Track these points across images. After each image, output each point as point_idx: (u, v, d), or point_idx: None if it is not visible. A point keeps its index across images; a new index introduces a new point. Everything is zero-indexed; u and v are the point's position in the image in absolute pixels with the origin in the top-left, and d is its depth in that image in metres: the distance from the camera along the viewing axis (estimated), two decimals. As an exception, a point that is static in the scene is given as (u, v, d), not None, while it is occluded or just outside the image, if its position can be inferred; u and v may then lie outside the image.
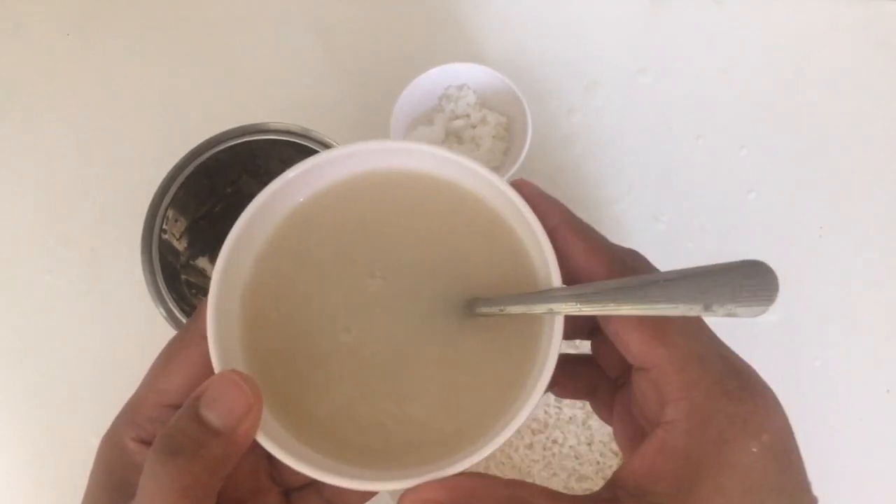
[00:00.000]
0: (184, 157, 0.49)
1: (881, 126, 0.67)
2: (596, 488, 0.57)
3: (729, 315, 0.19)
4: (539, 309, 0.21)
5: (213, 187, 0.52)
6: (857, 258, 0.64)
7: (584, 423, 0.57)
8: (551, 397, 0.57)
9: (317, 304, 0.23)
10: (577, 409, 0.57)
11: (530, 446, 0.57)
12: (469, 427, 0.21)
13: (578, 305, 0.20)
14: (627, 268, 0.22)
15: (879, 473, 0.60)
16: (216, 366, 0.22)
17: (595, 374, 0.25)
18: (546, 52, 0.70)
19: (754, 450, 0.20)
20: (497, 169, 0.64)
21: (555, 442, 0.57)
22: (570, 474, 0.57)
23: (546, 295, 0.21)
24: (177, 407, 0.23)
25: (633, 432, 0.24)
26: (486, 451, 0.20)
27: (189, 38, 0.74)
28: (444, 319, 0.23)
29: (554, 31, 0.71)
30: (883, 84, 0.68)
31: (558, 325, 0.21)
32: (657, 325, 0.21)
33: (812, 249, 0.64)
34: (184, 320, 0.46)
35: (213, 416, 0.21)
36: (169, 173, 0.49)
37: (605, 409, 0.25)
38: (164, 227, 0.48)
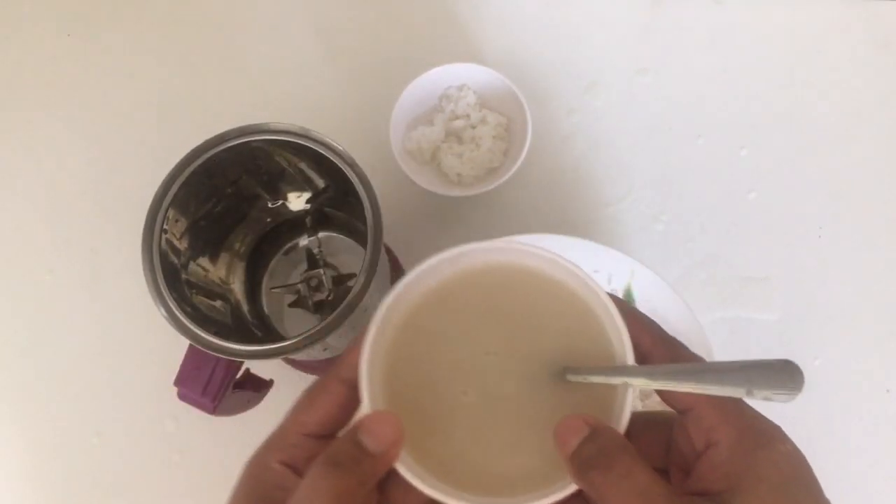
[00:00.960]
0: (184, 157, 0.49)
1: (881, 126, 0.67)
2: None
3: (765, 399, 0.26)
4: (616, 380, 0.28)
5: (214, 187, 0.52)
6: (857, 258, 0.64)
7: (583, 423, 0.57)
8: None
9: (443, 369, 0.31)
10: (577, 409, 0.57)
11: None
12: (558, 470, 0.27)
13: (647, 381, 0.28)
14: (681, 357, 0.30)
15: (879, 473, 0.60)
16: (365, 405, 0.28)
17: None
18: (546, 53, 0.70)
19: (783, 449, 0.27)
20: (496, 169, 0.64)
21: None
22: (570, 474, 0.57)
23: (622, 370, 0.28)
24: (316, 437, 0.29)
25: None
26: (571, 489, 0.27)
27: (189, 39, 0.74)
28: (541, 386, 0.30)
29: (554, 32, 0.71)
30: (883, 84, 0.68)
31: (630, 394, 0.28)
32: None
33: (812, 249, 0.64)
34: (184, 320, 0.46)
35: (368, 441, 0.27)
36: (169, 173, 0.49)
37: None
38: (164, 226, 0.48)
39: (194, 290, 0.52)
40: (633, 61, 0.69)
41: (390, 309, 0.31)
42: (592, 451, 0.26)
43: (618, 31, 0.70)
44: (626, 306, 0.29)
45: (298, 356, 0.57)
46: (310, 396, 0.30)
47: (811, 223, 0.64)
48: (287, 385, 0.62)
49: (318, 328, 0.46)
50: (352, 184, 0.48)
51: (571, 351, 0.30)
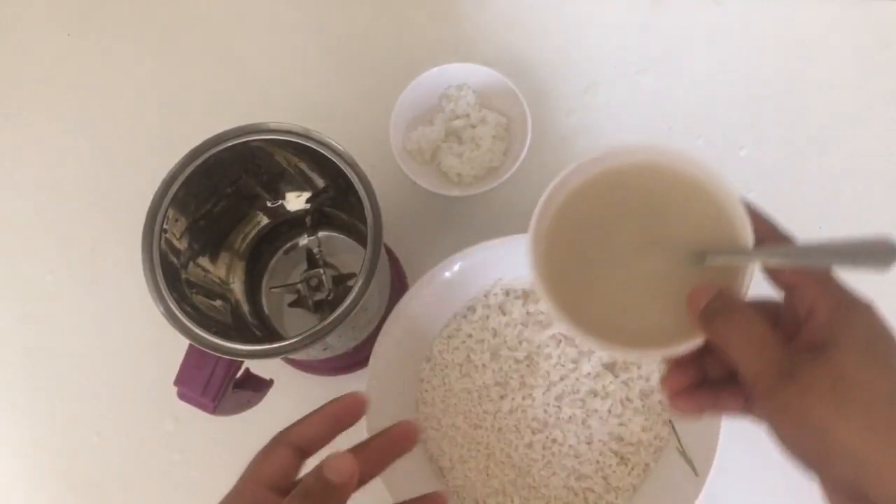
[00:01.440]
0: (184, 157, 0.49)
1: (881, 126, 0.67)
2: (596, 487, 0.57)
3: (865, 270, 0.32)
4: (739, 260, 0.34)
5: (214, 187, 0.52)
6: (856, 258, 0.64)
7: (583, 423, 0.57)
8: (552, 396, 0.57)
9: (592, 250, 0.37)
10: (577, 409, 0.57)
11: (530, 445, 0.57)
12: (686, 328, 0.34)
13: (766, 259, 0.34)
14: (786, 239, 0.35)
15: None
16: (533, 275, 0.36)
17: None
18: (546, 53, 0.70)
19: (874, 314, 0.32)
20: (496, 169, 0.64)
21: (554, 441, 0.57)
22: (570, 473, 0.57)
23: (745, 252, 0.34)
24: (270, 488, 0.34)
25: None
26: (699, 340, 0.34)
27: (189, 39, 0.74)
28: (673, 265, 0.36)
29: (554, 32, 0.71)
30: (883, 84, 0.68)
31: (751, 273, 0.34)
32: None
33: (812, 249, 0.64)
34: (184, 320, 0.46)
35: (332, 474, 0.32)
36: (169, 173, 0.49)
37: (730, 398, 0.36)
38: (164, 226, 0.48)
39: (194, 290, 0.52)
40: (633, 61, 0.69)
41: (547, 203, 0.37)
42: (718, 305, 0.33)
43: (618, 31, 0.70)
44: (748, 201, 0.35)
45: (298, 356, 0.57)
46: (263, 454, 0.36)
47: (811, 223, 0.64)
48: (287, 385, 0.62)
49: (318, 328, 0.46)
50: (352, 184, 0.48)
51: (700, 237, 0.36)
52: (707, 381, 0.37)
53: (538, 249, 0.37)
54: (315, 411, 0.37)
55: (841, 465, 0.30)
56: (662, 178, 0.37)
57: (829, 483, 0.31)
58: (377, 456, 0.36)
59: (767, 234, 0.35)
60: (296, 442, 0.36)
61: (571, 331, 0.35)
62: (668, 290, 0.36)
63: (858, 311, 0.32)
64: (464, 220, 0.67)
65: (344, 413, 0.37)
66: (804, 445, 0.31)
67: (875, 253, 0.33)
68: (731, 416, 0.37)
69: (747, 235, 0.34)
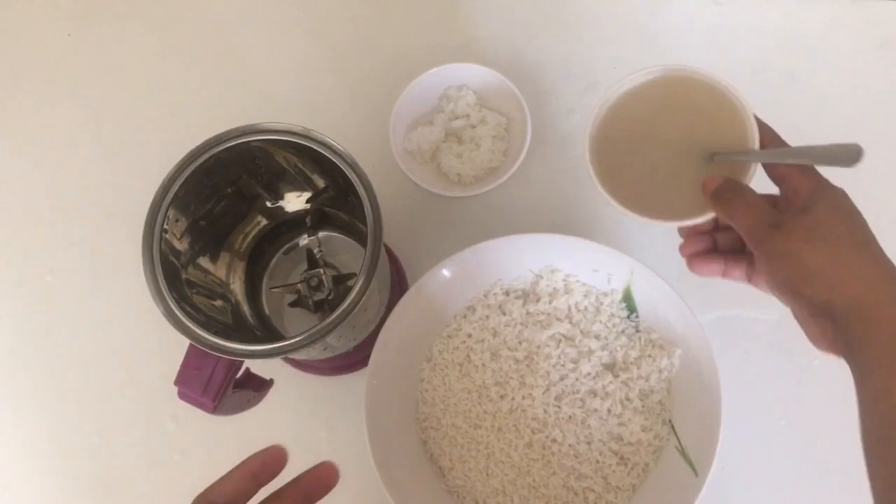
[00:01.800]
0: (184, 157, 0.49)
1: (881, 125, 0.67)
2: (596, 487, 0.57)
3: (836, 166, 0.43)
4: (745, 158, 0.45)
5: (214, 187, 0.53)
6: (856, 258, 0.64)
7: (583, 422, 0.57)
8: (552, 396, 0.57)
9: (634, 145, 0.48)
10: (577, 409, 0.57)
11: (529, 445, 0.57)
12: (701, 207, 0.45)
13: (766, 158, 0.45)
14: (783, 144, 0.46)
15: (879, 473, 0.60)
16: (587, 160, 0.48)
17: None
18: (546, 53, 0.70)
19: (843, 193, 0.43)
20: (496, 169, 0.64)
21: (554, 441, 0.57)
22: (570, 473, 0.57)
23: (750, 153, 0.45)
24: None
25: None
26: (710, 215, 0.45)
27: (189, 39, 0.74)
28: (696, 160, 0.47)
29: (554, 32, 0.71)
30: (883, 84, 0.68)
31: (754, 169, 0.45)
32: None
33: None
34: (184, 320, 0.46)
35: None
36: (170, 173, 0.49)
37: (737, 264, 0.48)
38: (164, 226, 0.48)
39: (194, 290, 0.52)
40: (632, 61, 0.69)
41: (602, 104, 0.48)
42: (726, 188, 0.44)
43: (617, 31, 0.70)
44: (753, 114, 0.46)
45: (298, 356, 0.57)
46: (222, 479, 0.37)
47: (811, 223, 0.64)
48: (287, 385, 0.62)
49: (318, 328, 0.46)
50: (352, 184, 0.48)
51: (718, 139, 0.47)
52: (717, 250, 0.49)
53: (592, 143, 0.48)
54: (236, 467, 0.37)
55: (813, 285, 0.41)
56: (697, 89, 0.49)
57: (804, 303, 0.42)
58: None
59: (769, 139, 0.46)
60: (217, 501, 0.37)
61: (617, 207, 0.46)
62: (691, 178, 0.47)
63: (832, 188, 0.44)
64: (464, 220, 0.67)
65: (262, 468, 0.36)
66: (787, 274, 0.42)
67: (846, 153, 0.43)
68: (735, 280, 0.47)
69: (754, 139, 0.46)
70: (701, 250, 0.49)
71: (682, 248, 0.49)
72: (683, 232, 0.50)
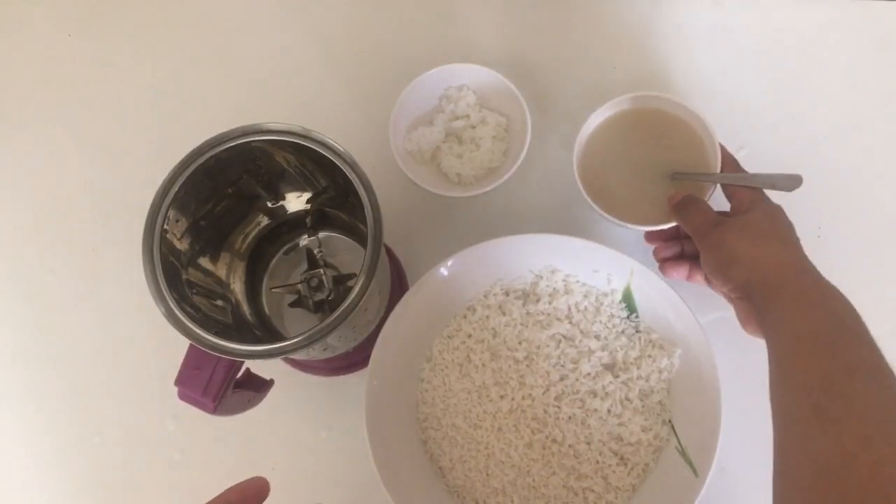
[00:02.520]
0: (185, 158, 0.49)
1: (881, 126, 0.67)
2: (596, 487, 0.57)
3: (779, 190, 0.54)
4: (701, 179, 0.57)
5: (214, 187, 0.53)
6: (856, 258, 0.64)
7: (583, 422, 0.57)
8: (552, 396, 0.58)
9: (611, 161, 0.60)
10: (576, 409, 0.57)
11: (529, 445, 0.57)
12: (666, 217, 0.57)
13: (723, 180, 0.56)
14: (741, 172, 0.57)
15: (878, 473, 0.60)
16: (577, 175, 0.60)
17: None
18: (545, 54, 0.70)
19: (777, 206, 0.53)
20: (496, 169, 0.64)
21: (554, 441, 0.57)
22: (570, 473, 0.57)
23: (712, 175, 0.57)
24: None
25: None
26: (672, 223, 0.57)
27: (189, 39, 0.74)
28: (661, 178, 0.59)
29: (553, 33, 0.71)
30: (883, 84, 0.68)
31: (713, 189, 0.57)
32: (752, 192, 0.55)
33: (811, 249, 0.64)
34: (184, 320, 0.46)
35: None
36: (170, 173, 0.49)
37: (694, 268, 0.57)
38: (165, 227, 0.48)
39: (195, 290, 0.52)
40: (632, 62, 0.70)
41: (585, 129, 0.60)
42: (686, 200, 0.55)
43: (617, 31, 0.70)
44: (719, 143, 0.57)
45: (298, 356, 0.57)
46: None
47: (811, 223, 0.64)
48: (287, 385, 0.62)
49: (318, 328, 0.46)
50: (352, 184, 0.48)
51: (679, 161, 0.59)
52: (684, 256, 0.58)
53: (579, 160, 0.59)
54: (215, 497, 0.35)
55: (735, 268, 0.50)
56: (664, 119, 0.60)
57: (732, 286, 0.50)
58: None
59: (730, 164, 0.57)
60: None
61: (600, 214, 0.57)
62: (656, 192, 0.59)
63: (770, 202, 0.53)
64: (464, 220, 0.67)
65: (241, 499, 0.36)
66: (719, 260, 0.51)
67: (787, 181, 0.54)
68: (697, 283, 0.57)
69: (716, 165, 0.57)
70: (670, 256, 0.58)
71: (654, 253, 0.59)
72: (649, 238, 0.60)
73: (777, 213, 0.52)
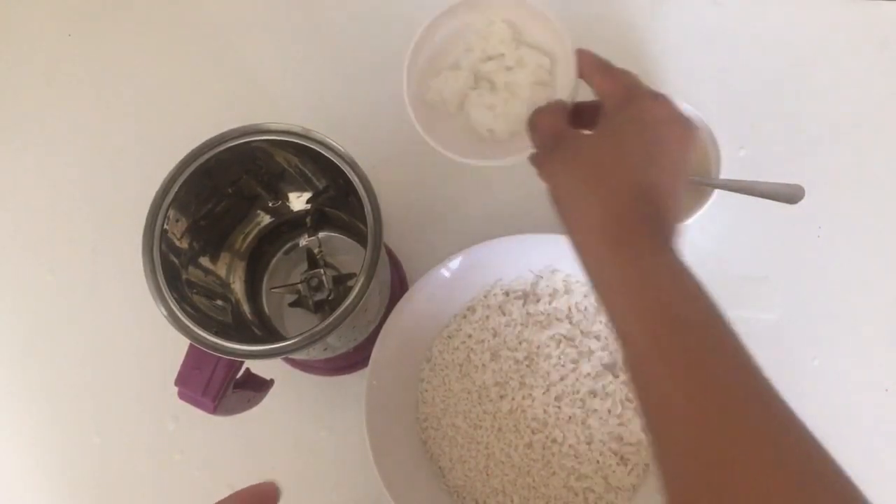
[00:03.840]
0: (185, 157, 0.49)
1: (881, 126, 0.67)
2: (596, 487, 0.57)
3: (782, 201, 0.52)
4: (708, 183, 0.57)
5: (214, 187, 0.53)
6: (856, 258, 0.64)
7: (583, 423, 0.57)
8: (552, 396, 0.57)
9: None
10: (577, 409, 0.57)
11: (530, 445, 0.57)
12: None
13: (719, 185, 0.57)
14: (628, 89, 0.42)
15: (879, 472, 0.60)
16: None
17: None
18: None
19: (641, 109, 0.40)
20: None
21: (554, 441, 0.57)
22: (570, 473, 0.57)
23: (712, 181, 0.57)
24: None
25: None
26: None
27: (189, 39, 0.74)
28: None
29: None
30: (883, 84, 0.68)
31: (712, 191, 0.57)
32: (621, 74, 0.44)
33: (812, 249, 0.64)
34: (184, 320, 0.47)
35: None
36: (170, 173, 0.49)
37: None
38: (165, 226, 0.48)
39: (195, 290, 0.52)
40: (632, 62, 0.69)
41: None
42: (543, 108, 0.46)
43: (617, 31, 0.70)
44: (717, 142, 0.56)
45: (298, 356, 0.57)
46: None
47: (811, 223, 0.64)
48: (287, 385, 0.62)
49: (318, 328, 0.46)
50: (352, 184, 0.48)
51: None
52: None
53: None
54: (224, 499, 0.34)
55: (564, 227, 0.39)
56: None
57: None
58: None
59: (588, 64, 0.46)
60: None
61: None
62: None
63: (650, 97, 0.40)
64: (464, 220, 0.67)
65: (251, 501, 0.34)
66: (553, 190, 0.40)
67: (789, 191, 0.50)
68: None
69: (717, 165, 0.57)
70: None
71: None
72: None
73: (647, 123, 0.38)
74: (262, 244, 0.61)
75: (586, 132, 0.41)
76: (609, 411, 0.57)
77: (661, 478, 0.32)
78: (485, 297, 0.61)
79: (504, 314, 0.60)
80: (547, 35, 0.50)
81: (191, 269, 0.52)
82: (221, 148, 0.49)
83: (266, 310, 0.62)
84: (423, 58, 0.51)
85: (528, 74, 0.50)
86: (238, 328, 0.55)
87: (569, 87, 0.47)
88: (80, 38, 0.75)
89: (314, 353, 0.54)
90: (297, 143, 0.49)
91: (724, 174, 0.59)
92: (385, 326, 0.57)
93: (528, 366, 0.59)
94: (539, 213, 0.67)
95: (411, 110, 0.49)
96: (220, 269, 0.57)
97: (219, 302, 0.55)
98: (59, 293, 0.68)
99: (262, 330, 0.59)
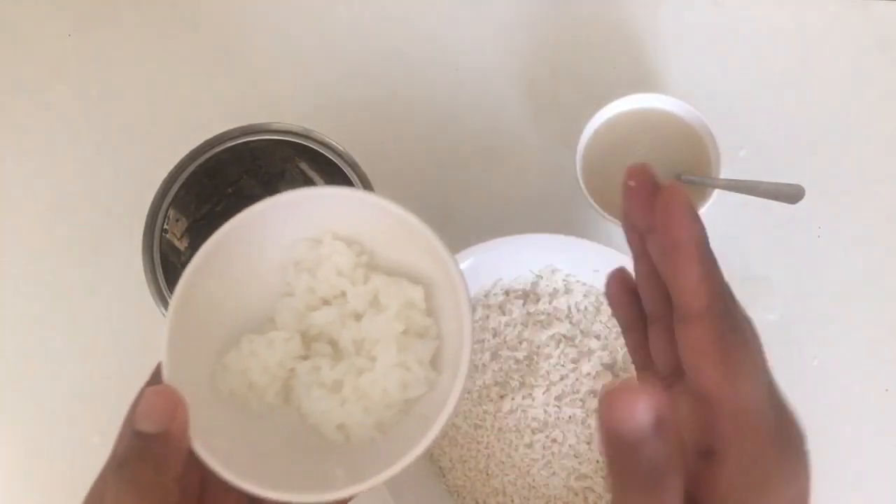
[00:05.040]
0: (184, 157, 0.49)
1: (881, 126, 0.67)
2: (596, 487, 0.57)
3: (783, 201, 0.53)
4: (702, 182, 0.56)
5: (214, 187, 0.53)
6: (856, 258, 0.64)
7: (583, 422, 0.57)
8: (552, 396, 0.57)
9: (613, 167, 0.60)
10: (577, 409, 0.57)
11: (530, 445, 0.57)
12: None
13: (724, 187, 0.55)
14: (723, 307, 0.26)
15: (879, 473, 0.60)
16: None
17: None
18: (545, 55, 0.70)
19: (786, 497, 0.25)
20: (417, 401, 0.33)
21: (554, 441, 0.57)
22: (570, 473, 0.57)
23: (712, 180, 0.56)
24: None
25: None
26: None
27: (189, 39, 0.74)
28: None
29: (553, 34, 0.71)
30: (883, 84, 0.68)
31: (712, 191, 0.55)
32: (729, 359, 0.25)
33: (812, 249, 0.64)
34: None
35: (146, 424, 0.26)
36: (170, 173, 0.49)
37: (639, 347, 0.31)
38: (165, 226, 0.48)
39: (195, 290, 0.52)
40: (632, 62, 0.70)
41: (587, 128, 0.60)
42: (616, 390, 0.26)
43: (617, 31, 0.70)
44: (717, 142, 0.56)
45: (299, 356, 0.57)
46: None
47: (811, 223, 0.64)
48: (287, 385, 0.62)
49: (318, 328, 0.46)
50: (352, 184, 0.48)
51: (685, 162, 0.58)
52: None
53: (582, 161, 0.59)
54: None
55: None
56: (666, 120, 0.60)
57: None
58: None
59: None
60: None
61: (602, 214, 0.56)
62: None
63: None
64: (464, 220, 0.67)
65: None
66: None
67: (790, 191, 0.51)
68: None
69: (718, 166, 0.55)
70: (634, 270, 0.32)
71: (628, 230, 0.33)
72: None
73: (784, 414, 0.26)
74: (262, 244, 0.61)
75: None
76: (609, 411, 0.57)
77: None
78: (485, 296, 0.61)
79: (504, 314, 0.60)
80: (415, 251, 0.31)
81: (191, 269, 0.52)
82: (221, 148, 0.49)
83: (266, 310, 0.62)
84: (199, 318, 0.30)
85: (390, 320, 0.31)
86: (238, 328, 0.55)
87: (462, 343, 0.29)
88: (80, 38, 0.75)
89: (314, 354, 0.54)
90: (297, 143, 0.49)
91: (724, 174, 0.59)
92: (385, 326, 0.56)
93: (528, 365, 0.59)
94: (539, 213, 0.67)
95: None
96: (220, 269, 0.57)
97: (219, 302, 0.55)
98: (59, 293, 0.68)
99: (262, 330, 0.59)
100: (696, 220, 0.26)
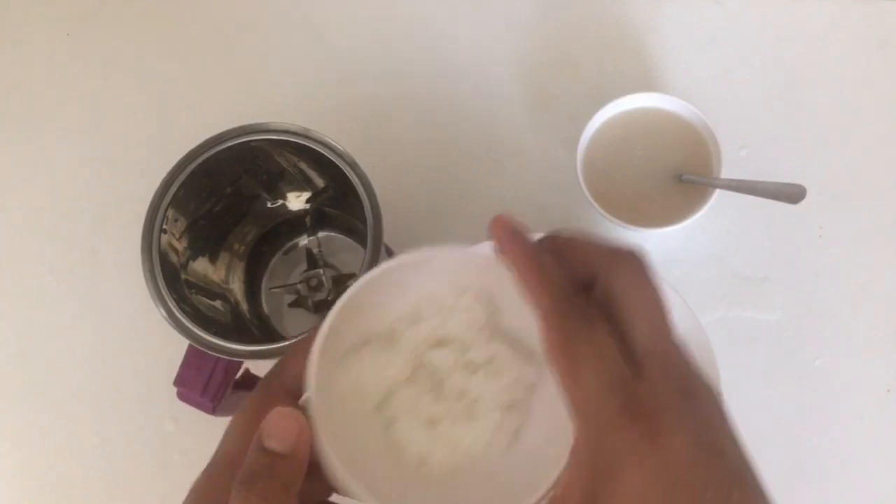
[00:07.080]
0: (184, 157, 0.49)
1: (881, 125, 0.67)
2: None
3: (783, 202, 0.53)
4: (703, 182, 0.56)
5: (214, 187, 0.52)
6: (856, 258, 0.64)
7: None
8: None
9: (615, 160, 0.60)
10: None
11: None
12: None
13: (726, 186, 0.56)
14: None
15: (879, 473, 0.60)
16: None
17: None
18: (545, 56, 0.70)
19: (638, 479, 0.25)
20: (484, 459, 0.33)
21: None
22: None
23: (713, 180, 0.55)
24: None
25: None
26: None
27: (189, 38, 0.74)
28: (663, 181, 0.57)
29: (554, 35, 0.71)
30: (883, 84, 0.68)
31: (713, 190, 0.55)
32: (570, 353, 0.27)
33: (812, 249, 0.64)
34: (184, 320, 0.46)
35: (275, 444, 0.26)
36: (169, 173, 0.49)
37: None
38: (164, 226, 0.48)
39: (194, 290, 0.52)
40: (632, 62, 0.69)
41: (588, 128, 0.60)
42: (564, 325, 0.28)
43: (617, 31, 0.70)
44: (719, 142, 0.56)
45: (298, 356, 0.57)
46: (254, 410, 0.29)
47: (811, 223, 0.64)
48: (287, 385, 0.62)
49: (317, 328, 0.46)
50: (351, 184, 0.48)
51: (686, 162, 0.58)
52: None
53: (582, 161, 0.59)
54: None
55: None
56: (666, 119, 0.60)
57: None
58: None
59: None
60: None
61: (603, 215, 0.56)
62: (662, 196, 0.58)
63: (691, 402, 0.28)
64: (464, 220, 0.67)
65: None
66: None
67: (791, 191, 0.51)
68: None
69: (719, 165, 0.56)
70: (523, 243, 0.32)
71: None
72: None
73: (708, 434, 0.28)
74: (262, 244, 0.61)
75: None
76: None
77: None
78: (485, 297, 0.61)
79: (504, 314, 0.60)
80: (532, 325, 0.28)
81: (190, 269, 0.52)
82: (220, 147, 0.49)
83: (265, 310, 0.62)
84: (343, 329, 0.31)
85: (500, 389, 0.31)
86: (237, 328, 0.55)
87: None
88: (80, 37, 0.75)
89: (314, 354, 0.53)
90: (296, 143, 0.49)
91: (725, 174, 0.59)
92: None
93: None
94: (539, 213, 0.67)
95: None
96: (220, 270, 0.57)
97: (218, 302, 0.55)
98: (58, 293, 0.68)
99: (262, 330, 0.59)
100: (520, 238, 0.31)
